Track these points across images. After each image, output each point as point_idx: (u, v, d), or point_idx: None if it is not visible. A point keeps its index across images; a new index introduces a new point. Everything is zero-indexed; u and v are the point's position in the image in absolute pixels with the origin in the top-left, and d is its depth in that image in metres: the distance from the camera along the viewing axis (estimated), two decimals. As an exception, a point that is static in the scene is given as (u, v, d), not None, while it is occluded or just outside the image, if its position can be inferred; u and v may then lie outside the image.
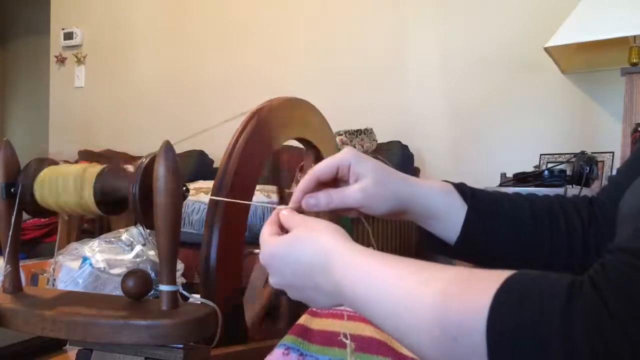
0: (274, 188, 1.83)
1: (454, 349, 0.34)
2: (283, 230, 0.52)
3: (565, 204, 0.58)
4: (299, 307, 1.12)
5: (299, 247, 0.48)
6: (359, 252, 0.45)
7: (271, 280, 0.51)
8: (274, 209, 0.54)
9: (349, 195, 0.53)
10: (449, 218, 0.56)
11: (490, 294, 0.33)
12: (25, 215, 0.74)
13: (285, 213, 0.53)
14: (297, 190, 0.55)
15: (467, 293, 0.35)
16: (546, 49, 1.81)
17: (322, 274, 0.46)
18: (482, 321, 0.33)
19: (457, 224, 0.56)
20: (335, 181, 0.55)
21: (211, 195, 0.89)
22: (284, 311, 1.15)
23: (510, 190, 1.32)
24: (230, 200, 0.84)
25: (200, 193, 1.81)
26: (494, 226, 0.56)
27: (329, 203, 0.53)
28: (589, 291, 0.31)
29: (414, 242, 2.12)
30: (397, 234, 2.00)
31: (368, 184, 0.52)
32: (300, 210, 0.54)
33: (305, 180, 0.54)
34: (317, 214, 0.53)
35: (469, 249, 0.57)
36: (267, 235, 0.51)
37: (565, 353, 0.30)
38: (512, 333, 0.32)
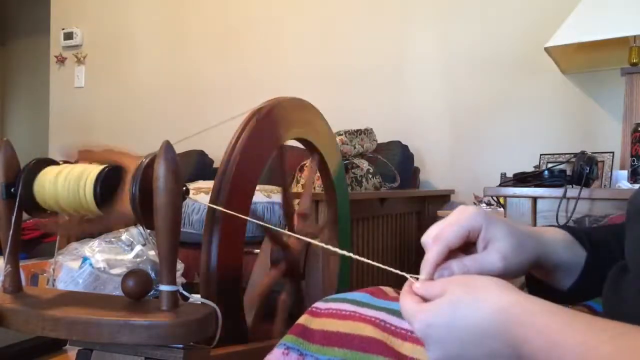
0: (274, 188, 1.83)
1: None
2: (424, 300, 0.46)
3: None
4: (298, 307, 1.12)
5: (464, 310, 0.41)
6: (538, 311, 0.39)
7: (430, 354, 0.43)
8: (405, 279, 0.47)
9: (488, 263, 0.47)
10: (570, 269, 0.54)
11: None
12: (25, 215, 0.74)
13: (418, 285, 0.46)
14: (428, 262, 0.48)
15: None
16: (546, 49, 1.81)
17: (497, 337, 0.40)
18: None
19: (575, 272, 0.54)
20: (463, 246, 0.49)
21: (211, 195, 0.89)
22: (281, 311, 1.14)
23: (511, 190, 1.32)
24: (240, 215, 0.84)
25: (200, 193, 1.81)
26: (609, 267, 0.54)
27: (464, 273, 0.47)
28: None
29: (414, 241, 2.12)
30: (397, 233, 2.00)
31: (507, 251, 0.48)
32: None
33: (436, 251, 0.48)
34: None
35: (581, 294, 0.56)
36: (414, 305, 0.45)
37: None
38: None
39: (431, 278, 0.47)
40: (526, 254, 0.49)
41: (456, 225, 0.48)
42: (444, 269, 0.47)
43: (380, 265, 0.54)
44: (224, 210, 0.85)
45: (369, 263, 0.53)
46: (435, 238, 0.48)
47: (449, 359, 0.43)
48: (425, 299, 0.45)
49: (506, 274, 0.48)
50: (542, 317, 0.38)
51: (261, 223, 0.79)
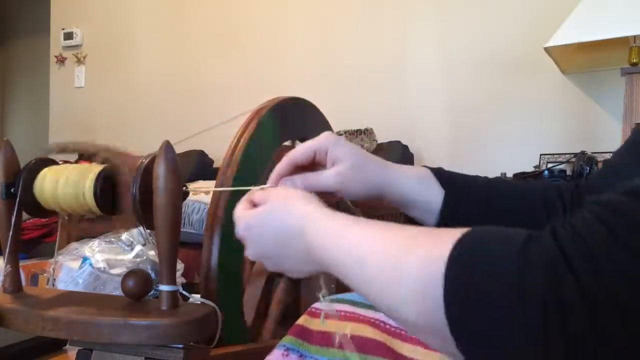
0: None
1: (415, 296, 0.34)
2: (256, 207, 0.53)
3: (548, 192, 0.57)
4: (296, 307, 1.11)
5: (275, 215, 0.49)
6: (331, 215, 0.46)
7: (248, 252, 0.52)
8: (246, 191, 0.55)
9: (325, 178, 0.53)
10: (426, 205, 0.56)
11: (451, 242, 0.34)
12: (25, 215, 0.74)
13: (258, 192, 0.53)
14: (274, 172, 0.55)
15: (429, 242, 0.35)
16: (546, 49, 1.81)
17: (297, 239, 0.47)
18: (441, 266, 0.33)
19: (435, 211, 0.56)
20: (313, 165, 0.56)
21: (212, 196, 0.89)
22: (275, 309, 1.14)
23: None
24: (230, 189, 0.84)
25: (200, 193, 1.81)
26: (470, 214, 0.56)
27: (304, 186, 0.54)
28: (548, 240, 0.30)
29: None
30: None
31: (344, 168, 0.53)
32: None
33: (282, 163, 0.55)
34: None
35: None
36: (241, 210, 0.52)
37: (519, 298, 0.29)
38: (468, 276, 0.32)
39: (274, 186, 0.54)
40: (366, 175, 0.54)
41: (304, 145, 0.55)
42: (287, 179, 0.55)
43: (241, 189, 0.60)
44: (231, 188, 0.85)
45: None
46: (285, 155, 0.55)
47: (262, 256, 0.51)
48: (255, 206, 0.52)
49: (344, 192, 0.54)
50: (330, 220, 0.45)
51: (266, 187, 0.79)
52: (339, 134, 1.95)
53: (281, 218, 0.48)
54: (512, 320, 0.29)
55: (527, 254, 0.30)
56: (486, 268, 0.31)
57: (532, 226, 0.54)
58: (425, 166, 0.59)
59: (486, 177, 0.60)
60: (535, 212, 0.56)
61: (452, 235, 0.34)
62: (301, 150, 0.55)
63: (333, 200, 0.56)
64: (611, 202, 0.31)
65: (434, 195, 0.56)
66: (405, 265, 0.36)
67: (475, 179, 0.60)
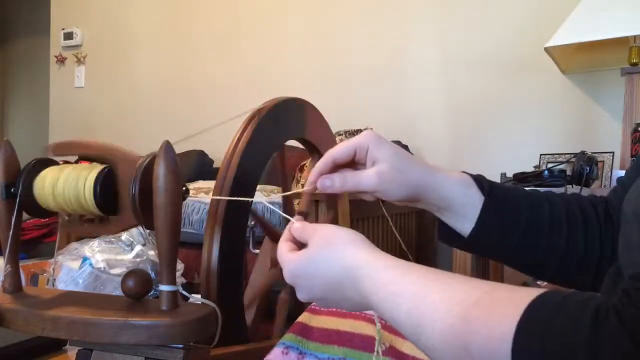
0: (274, 188, 1.83)
1: None
2: (298, 244, 0.52)
3: (584, 203, 0.57)
4: (299, 307, 1.12)
5: (322, 262, 0.47)
6: (383, 267, 0.44)
7: (299, 297, 0.51)
8: (287, 222, 0.53)
9: (364, 179, 0.52)
10: (465, 211, 0.55)
11: (513, 322, 0.33)
12: (25, 215, 0.74)
13: (297, 226, 0.52)
14: (313, 171, 0.54)
15: (489, 319, 0.35)
16: (546, 49, 1.81)
17: (351, 288, 0.46)
18: (506, 351, 0.32)
19: (473, 218, 0.55)
20: (353, 164, 0.55)
21: (212, 195, 0.89)
22: (280, 310, 1.14)
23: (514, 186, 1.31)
24: (232, 198, 0.84)
25: (200, 193, 1.81)
26: (509, 224, 0.55)
27: (343, 185, 0.53)
28: (615, 323, 0.30)
29: (414, 241, 2.12)
30: (416, 229, 2.00)
31: (384, 169, 0.52)
32: (315, 191, 0.54)
33: (322, 161, 0.54)
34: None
35: (482, 244, 0.56)
36: (285, 253, 0.51)
37: None
38: None
39: (315, 187, 0.54)
40: (406, 178, 0.53)
41: (345, 143, 0.54)
42: (327, 178, 0.53)
43: (254, 200, 0.59)
44: (230, 198, 0.84)
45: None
46: (326, 153, 0.54)
47: (314, 300, 0.50)
48: (298, 242, 0.52)
49: (382, 193, 0.53)
50: (384, 273, 0.44)
51: (262, 201, 0.79)
52: (338, 134, 1.95)
53: (329, 266, 0.47)
54: None
55: (597, 345, 0.30)
56: (554, 358, 0.31)
57: (569, 237, 0.54)
58: (466, 172, 0.57)
59: (523, 189, 0.59)
60: (572, 224, 0.55)
61: (513, 310, 0.34)
62: (342, 148, 0.54)
63: (368, 199, 0.55)
64: None
65: (473, 202, 0.55)
66: (466, 343, 0.35)
67: (513, 188, 0.59)
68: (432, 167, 0.55)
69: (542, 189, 1.28)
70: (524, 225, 0.55)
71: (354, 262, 0.46)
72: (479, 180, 0.57)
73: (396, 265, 0.44)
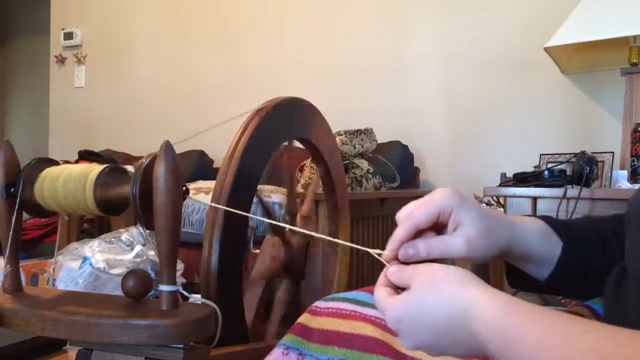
0: (273, 188, 1.83)
1: None
2: (396, 289, 0.48)
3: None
4: (297, 307, 1.12)
5: (429, 305, 0.44)
6: (496, 308, 0.41)
7: (405, 345, 0.47)
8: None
9: (452, 246, 0.48)
10: (545, 258, 0.54)
11: None
12: (25, 215, 0.74)
13: (393, 270, 0.48)
14: (394, 240, 0.50)
15: None
16: (546, 49, 1.81)
17: (463, 332, 0.42)
18: None
19: (552, 263, 0.54)
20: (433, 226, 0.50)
21: (212, 195, 0.89)
22: (277, 309, 1.15)
23: (511, 190, 1.32)
24: (358, 247, 0.84)
25: (200, 193, 1.81)
26: (587, 262, 0.54)
27: (429, 254, 0.48)
28: None
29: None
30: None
31: (472, 235, 0.48)
32: (396, 261, 0.49)
33: (403, 230, 0.49)
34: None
35: (560, 286, 0.56)
36: (386, 298, 0.47)
37: None
38: None
39: (396, 254, 0.49)
40: (494, 240, 0.50)
41: (427, 206, 0.49)
42: (410, 247, 0.48)
43: (352, 245, 0.55)
44: (239, 212, 0.85)
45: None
46: (406, 216, 0.50)
47: (423, 348, 0.46)
48: (397, 287, 0.48)
49: (471, 258, 0.49)
50: (499, 316, 0.40)
51: (282, 225, 0.79)
52: (338, 134, 1.95)
53: (437, 309, 0.43)
54: None
55: None
56: None
57: None
58: (537, 216, 0.56)
59: (594, 218, 0.58)
60: None
61: None
62: (424, 213, 0.49)
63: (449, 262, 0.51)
64: None
65: (552, 249, 0.54)
66: None
67: (586, 227, 0.57)
68: (511, 221, 0.53)
69: (542, 189, 1.28)
70: (601, 260, 0.54)
71: (463, 303, 0.42)
72: (554, 225, 0.55)
73: (511, 307, 0.40)
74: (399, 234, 0.49)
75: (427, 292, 0.44)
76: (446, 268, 0.46)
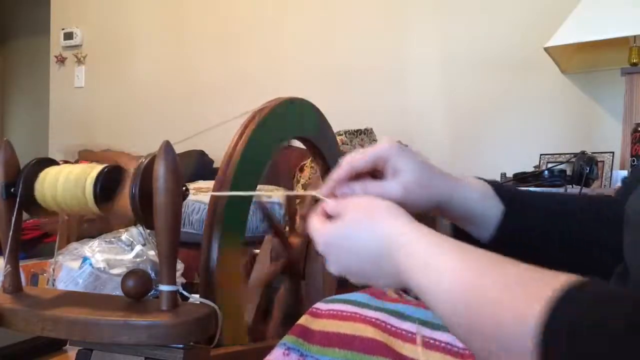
0: (273, 188, 1.83)
1: (506, 353, 0.34)
2: (330, 218, 0.50)
3: (602, 204, 0.57)
4: (297, 308, 1.12)
5: (359, 231, 0.46)
6: (420, 238, 0.43)
7: (330, 268, 0.49)
8: (288, 201, 0.54)
9: (388, 191, 0.50)
10: (485, 220, 0.55)
11: (546, 302, 0.32)
12: (25, 215, 0.74)
13: (331, 203, 0.50)
14: (331, 179, 0.52)
15: (523, 297, 0.34)
16: (546, 49, 1.81)
17: (387, 260, 0.44)
18: (535, 332, 0.32)
19: (492, 225, 0.54)
20: (373, 173, 0.53)
21: (211, 197, 0.89)
22: (277, 309, 1.15)
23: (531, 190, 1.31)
24: (234, 193, 0.84)
25: (200, 193, 1.81)
26: (530, 230, 0.55)
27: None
28: None
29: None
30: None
31: (409, 182, 0.50)
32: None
33: (341, 169, 0.52)
34: None
35: (502, 250, 0.56)
36: (317, 223, 0.49)
37: None
38: (566, 353, 0.31)
39: (333, 193, 0.52)
40: (431, 191, 0.52)
41: (366, 151, 0.52)
42: (346, 188, 0.52)
43: (292, 193, 0.58)
44: (231, 193, 0.85)
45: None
46: (346, 161, 0.52)
47: (347, 273, 0.48)
48: (330, 217, 0.50)
49: (406, 205, 0.50)
50: (422, 246, 0.43)
51: (268, 194, 0.79)
52: (338, 134, 1.95)
53: (366, 236, 0.46)
54: None
55: (629, 348, 0.29)
56: (584, 349, 0.30)
57: (593, 240, 0.53)
58: (482, 178, 0.57)
59: (543, 193, 0.59)
60: (602, 220, 0.54)
61: (545, 290, 0.33)
62: (363, 157, 0.51)
63: None
64: None
65: (494, 211, 0.55)
66: (497, 321, 0.35)
67: (533, 195, 0.58)
68: (453, 179, 0.54)
69: (542, 189, 1.28)
70: (542, 234, 0.55)
71: (388, 231, 0.45)
72: (498, 189, 0.56)
73: (434, 239, 0.43)
74: (336, 173, 0.52)
75: (357, 219, 0.46)
76: (377, 199, 0.48)
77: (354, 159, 0.52)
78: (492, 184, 0.57)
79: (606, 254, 0.53)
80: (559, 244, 0.55)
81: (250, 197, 0.95)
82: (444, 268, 0.40)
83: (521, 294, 0.35)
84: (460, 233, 0.57)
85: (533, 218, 0.55)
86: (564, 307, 0.32)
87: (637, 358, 0.29)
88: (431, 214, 0.55)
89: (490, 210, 0.55)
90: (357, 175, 0.52)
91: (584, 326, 0.31)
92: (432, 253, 0.42)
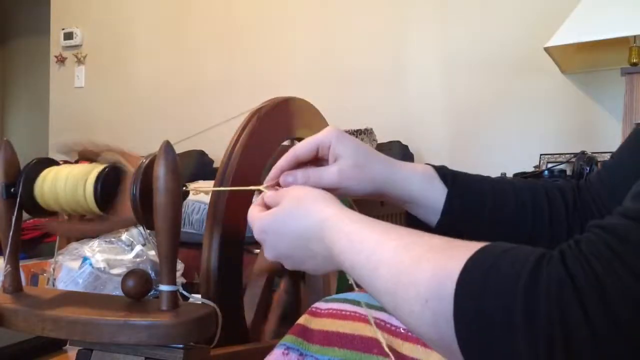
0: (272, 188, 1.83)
1: (424, 311, 0.35)
2: (269, 209, 0.52)
3: (550, 190, 0.58)
4: (297, 308, 1.12)
5: (291, 218, 0.49)
6: (347, 219, 0.45)
7: (266, 254, 0.52)
8: (257, 193, 0.55)
9: (326, 175, 0.53)
10: (430, 203, 0.56)
11: (462, 260, 0.34)
12: (25, 215, 0.74)
13: (269, 194, 0.53)
14: (275, 167, 0.55)
15: (441, 258, 0.36)
16: (546, 49, 1.81)
17: (317, 242, 0.47)
18: (450, 289, 0.33)
19: (438, 209, 0.56)
20: (317, 160, 0.55)
21: (212, 195, 0.89)
22: (275, 308, 1.14)
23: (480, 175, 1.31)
24: (233, 189, 0.84)
25: (200, 193, 1.81)
26: (474, 210, 0.56)
27: (305, 182, 0.53)
28: (557, 263, 0.31)
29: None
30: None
31: (346, 166, 0.53)
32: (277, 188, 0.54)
33: (284, 158, 0.55)
34: None
35: (450, 233, 0.57)
36: (254, 212, 0.52)
37: (526, 319, 0.30)
38: (478, 298, 0.32)
39: (277, 182, 0.54)
40: (369, 174, 0.53)
41: (308, 140, 0.54)
42: (289, 175, 0.54)
43: (238, 189, 0.66)
44: (230, 188, 0.85)
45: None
46: (289, 150, 0.55)
47: (281, 257, 0.51)
48: (268, 208, 0.52)
49: (345, 189, 0.53)
50: (348, 224, 0.45)
51: (262, 188, 0.79)
52: (339, 134, 1.95)
53: (298, 221, 0.48)
54: (519, 347, 0.30)
55: (536, 280, 0.31)
56: (496, 292, 0.32)
57: (535, 224, 0.55)
58: (428, 164, 0.58)
59: (488, 176, 0.60)
60: (538, 210, 0.56)
61: (463, 252, 0.35)
62: (304, 145, 0.54)
63: (335, 195, 0.55)
64: (616, 228, 0.31)
65: (437, 194, 0.56)
66: (416, 280, 0.36)
67: (477, 177, 0.59)
68: (394, 162, 0.56)
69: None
70: (489, 214, 0.56)
71: (320, 216, 0.47)
72: (442, 172, 0.57)
73: (360, 218, 0.45)
74: (280, 162, 0.55)
75: (291, 207, 0.49)
76: (313, 189, 0.50)
77: (297, 148, 0.55)
78: (436, 167, 0.58)
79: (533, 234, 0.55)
80: (499, 235, 0.55)
81: (251, 196, 0.95)
82: (371, 241, 0.42)
83: (440, 255, 0.36)
84: (412, 219, 0.59)
85: (476, 201, 0.56)
86: (478, 261, 0.34)
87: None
88: (376, 199, 0.56)
89: (433, 193, 0.56)
90: (302, 164, 0.55)
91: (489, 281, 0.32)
92: (359, 232, 0.44)
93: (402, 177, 0.55)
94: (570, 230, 0.55)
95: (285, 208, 0.49)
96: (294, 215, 0.48)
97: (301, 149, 0.54)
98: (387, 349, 0.55)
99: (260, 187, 0.55)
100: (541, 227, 0.55)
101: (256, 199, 0.56)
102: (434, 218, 0.57)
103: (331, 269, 0.48)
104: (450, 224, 0.56)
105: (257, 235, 0.52)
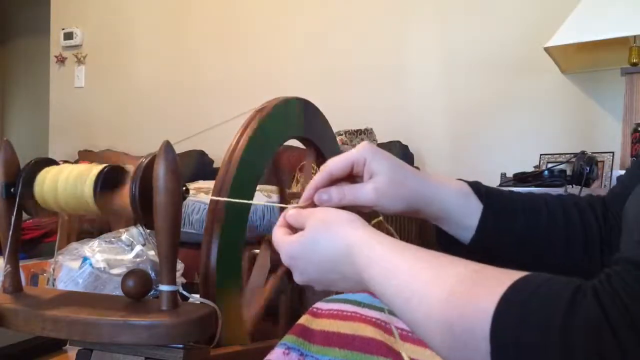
0: (273, 188, 1.83)
1: (459, 347, 0.35)
2: (293, 229, 0.52)
3: (580, 203, 0.57)
4: (297, 308, 1.12)
5: (319, 243, 0.48)
6: (377, 244, 0.45)
7: (296, 279, 0.51)
8: (281, 209, 0.54)
9: (362, 194, 0.52)
10: (465, 219, 0.55)
11: (495, 298, 0.34)
12: (25, 215, 0.74)
13: (291, 213, 0.52)
14: (310, 186, 0.54)
15: (473, 294, 0.35)
16: (546, 49, 1.81)
17: (347, 265, 0.46)
18: (486, 325, 0.33)
19: (472, 225, 0.55)
20: (351, 177, 0.54)
21: (212, 195, 0.89)
22: (283, 311, 1.15)
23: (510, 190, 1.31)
24: (232, 200, 0.84)
25: (200, 193, 1.81)
26: (509, 226, 0.55)
27: (341, 200, 0.52)
28: (591, 302, 0.31)
29: (414, 242, 2.12)
30: (397, 233, 2.00)
31: (382, 184, 0.51)
32: (312, 206, 0.53)
33: (319, 175, 0.53)
34: None
35: (483, 249, 0.56)
36: (280, 237, 0.51)
37: (563, 357, 0.30)
38: (515, 340, 0.32)
39: (312, 201, 0.53)
40: (405, 191, 0.52)
41: (342, 156, 0.53)
42: (324, 192, 0.53)
43: (265, 203, 0.59)
44: (229, 199, 0.84)
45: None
46: (324, 167, 0.54)
47: (311, 282, 0.50)
48: (294, 228, 0.52)
49: (381, 207, 0.52)
50: (379, 249, 0.44)
51: (264, 203, 0.79)
52: (338, 134, 1.95)
53: (326, 246, 0.47)
54: None
55: (572, 319, 0.31)
56: (532, 331, 0.32)
57: (568, 239, 0.54)
58: (462, 180, 0.57)
59: (519, 192, 0.59)
60: (571, 225, 0.55)
61: (498, 287, 0.34)
62: (339, 162, 0.53)
63: (366, 211, 0.54)
64: None
65: (472, 211, 0.55)
66: (449, 316, 0.36)
67: (507, 193, 0.59)
68: (429, 178, 0.55)
69: (541, 189, 1.28)
70: (522, 230, 0.55)
71: (350, 240, 0.46)
72: (477, 188, 0.56)
73: (390, 242, 0.45)
74: (314, 180, 0.54)
75: (319, 231, 0.48)
76: (339, 211, 0.49)
77: (331, 165, 0.53)
78: (470, 183, 0.57)
79: (573, 252, 0.54)
80: (534, 246, 0.56)
81: (251, 197, 0.95)
82: (402, 271, 0.42)
83: (472, 290, 0.36)
84: (444, 236, 0.58)
85: (510, 217, 0.56)
86: (512, 297, 0.33)
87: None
88: (410, 215, 0.55)
89: (469, 208, 0.55)
90: (337, 181, 0.54)
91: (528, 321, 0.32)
92: (390, 259, 0.43)
93: (438, 193, 0.54)
94: (602, 241, 0.55)
95: (312, 233, 0.49)
96: (322, 240, 0.48)
97: (335, 166, 0.53)
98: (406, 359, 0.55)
99: (297, 206, 0.53)
100: (574, 238, 0.55)
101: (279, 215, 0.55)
102: (465, 234, 0.56)
103: (362, 289, 0.47)
104: (484, 240, 0.55)
105: (285, 261, 0.51)
